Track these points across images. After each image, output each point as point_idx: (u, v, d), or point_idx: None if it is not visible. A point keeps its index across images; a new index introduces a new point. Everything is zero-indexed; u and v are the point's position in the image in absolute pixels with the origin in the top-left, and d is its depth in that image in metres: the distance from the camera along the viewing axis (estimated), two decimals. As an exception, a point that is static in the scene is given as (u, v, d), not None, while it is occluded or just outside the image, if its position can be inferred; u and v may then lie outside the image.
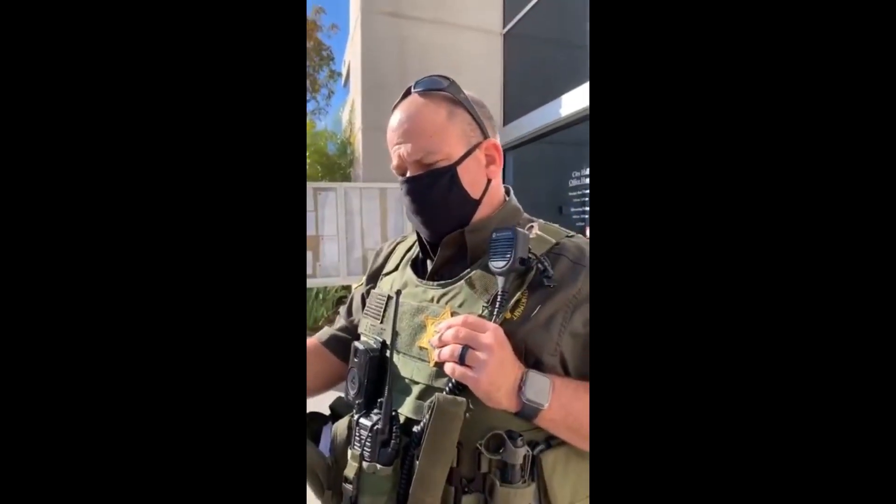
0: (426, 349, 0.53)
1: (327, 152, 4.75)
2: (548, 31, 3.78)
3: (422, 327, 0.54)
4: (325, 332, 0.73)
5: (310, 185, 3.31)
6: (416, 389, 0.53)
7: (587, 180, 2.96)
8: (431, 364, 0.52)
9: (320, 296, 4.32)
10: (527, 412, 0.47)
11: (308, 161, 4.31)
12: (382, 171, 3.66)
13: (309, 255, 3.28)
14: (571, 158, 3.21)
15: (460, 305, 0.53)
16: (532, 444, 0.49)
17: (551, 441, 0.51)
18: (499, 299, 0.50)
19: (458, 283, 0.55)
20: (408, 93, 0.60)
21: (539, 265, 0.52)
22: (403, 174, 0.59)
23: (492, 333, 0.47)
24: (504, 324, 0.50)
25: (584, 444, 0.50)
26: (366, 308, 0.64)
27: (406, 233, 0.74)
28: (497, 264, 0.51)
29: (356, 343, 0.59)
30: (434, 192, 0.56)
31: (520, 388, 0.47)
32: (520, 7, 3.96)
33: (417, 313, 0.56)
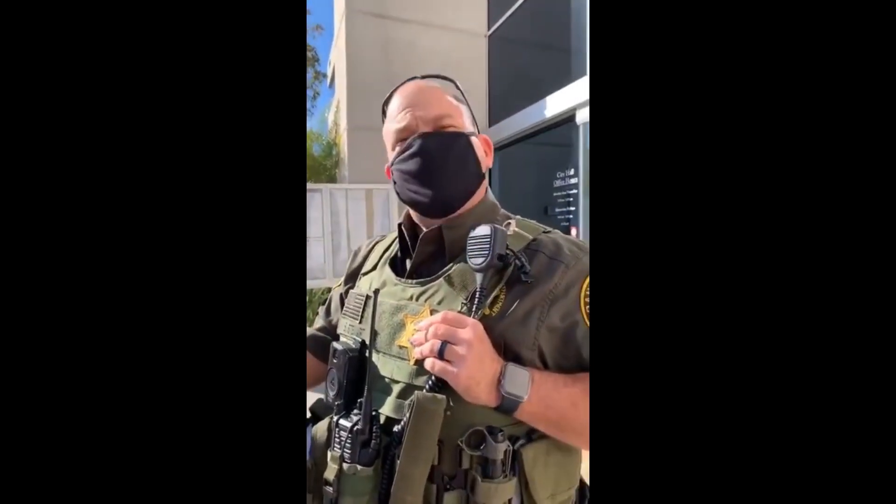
0: (406, 348, 0.53)
1: (312, 153, 4.70)
2: (532, 33, 3.81)
3: (401, 326, 0.54)
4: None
5: (294, 187, 3.27)
6: (396, 388, 0.52)
7: (572, 181, 2.99)
8: (411, 362, 0.52)
9: (306, 298, 4.27)
10: (506, 406, 0.48)
11: (293, 163, 4.25)
12: (368, 172, 3.65)
13: (294, 257, 3.24)
14: (556, 159, 3.24)
15: (439, 303, 0.53)
16: (513, 439, 0.49)
17: (532, 435, 0.51)
18: (477, 296, 0.50)
19: (437, 281, 0.55)
20: (411, 80, 0.61)
21: (517, 261, 0.52)
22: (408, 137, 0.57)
23: (471, 329, 0.48)
24: (482, 320, 0.50)
25: (564, 437, 0.51)
26: (344, 308, 0.64)
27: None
28: (475, 261, 0.51)
29: (335, 344, 0.58)
30: (449, 152, 0.55)
31: (499, 381, 0.47)
32: (504, 9, 3.99)
33: (396, 312, 0.55)
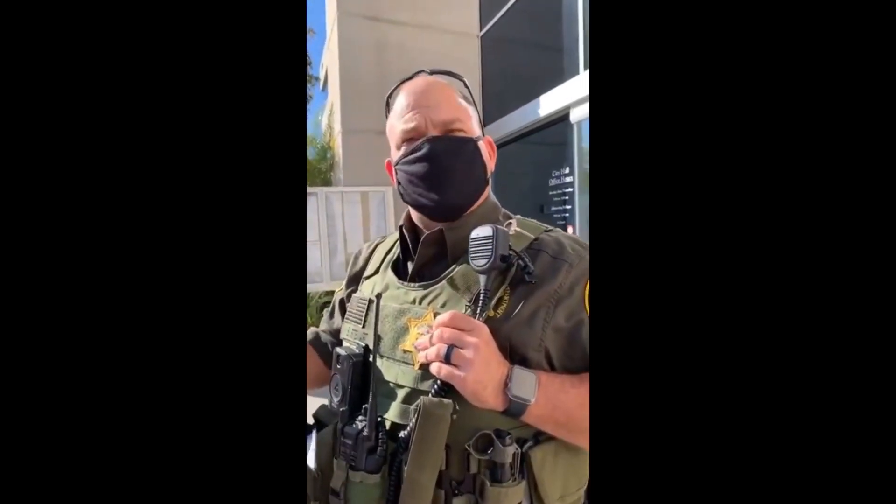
0: (410, 352, 0.52)
1: (307, 157, 4.69)
2: (524, 33, 3.82)
3: (405, 330, 0.54)
4: (311, 331, 0.72)
5: (290, 191, 3.25)
6: (401, 393, 0.52)
7: (567, 179, 3.00)
8: (416, 367, 0.51)
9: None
10: (514, 409, 0.47)
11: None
12: (363, 174, 3.64)
13: (291, 261, 3.22)
14: (551, 158, 3.25)
15: (443, 305, 0.53)
16: (520, 442, 0.49)
17: (539, 437, 0.51)
18: (481, 298, 0.50)
19: (440, 283, 0.54)
20: (418, 74, 0.61)
21: (520, 262, 0.51)
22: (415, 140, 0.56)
23: (477, 331, 0.47)
24: (487, 322, 0.50)
25: (572, 438, 0.50)
26: (347, 313, 0.63)
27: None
28: (478, 263, 0.51)
29: (338, 349, 0.57)
30: (458, 158, 0.56)
31: (506, 384, 0.47)
32: (496, 10, 3.99)
33: (400, 316, 0.55)
